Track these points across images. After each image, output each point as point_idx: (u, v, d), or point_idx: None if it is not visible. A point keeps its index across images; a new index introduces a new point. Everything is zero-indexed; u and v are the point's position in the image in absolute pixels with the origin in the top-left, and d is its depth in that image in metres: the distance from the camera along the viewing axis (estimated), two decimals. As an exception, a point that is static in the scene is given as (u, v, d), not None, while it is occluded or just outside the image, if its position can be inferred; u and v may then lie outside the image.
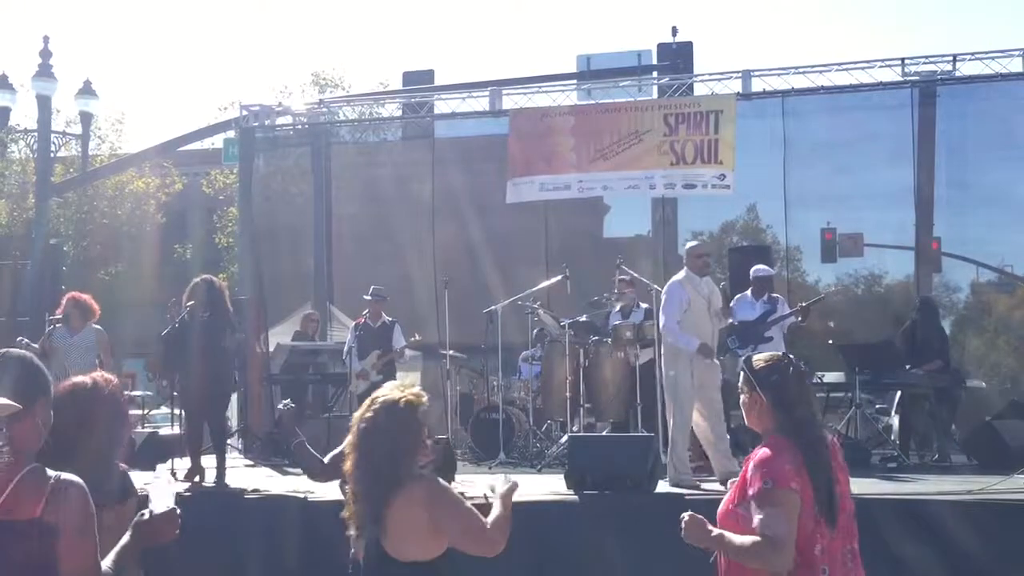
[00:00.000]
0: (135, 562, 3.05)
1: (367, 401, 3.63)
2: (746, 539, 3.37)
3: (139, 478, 3.77)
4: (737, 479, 3.55)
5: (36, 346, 10.24)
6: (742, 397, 3.64)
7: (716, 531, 3.47)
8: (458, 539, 3.53)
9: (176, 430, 10.73)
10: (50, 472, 2.78)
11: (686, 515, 3.49)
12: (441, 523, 3.48)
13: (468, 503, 3.63)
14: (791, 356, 3.69)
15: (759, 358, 3.67)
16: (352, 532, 3.55)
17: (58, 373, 8.67)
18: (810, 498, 3.36)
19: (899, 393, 10.48)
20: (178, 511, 3.08)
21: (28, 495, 2.71)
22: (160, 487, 3.10)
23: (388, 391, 3.61)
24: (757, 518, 3.33)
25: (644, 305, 10.45)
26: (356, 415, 3.63)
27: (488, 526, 3.58)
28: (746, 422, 3.68)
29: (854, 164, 13.97)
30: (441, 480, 3.62)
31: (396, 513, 3.43)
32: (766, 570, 3.38)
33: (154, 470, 9.60)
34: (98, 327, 9.53)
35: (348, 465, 3.58)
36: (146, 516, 3.04)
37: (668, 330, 8.25)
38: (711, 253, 8.52)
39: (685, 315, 8.20)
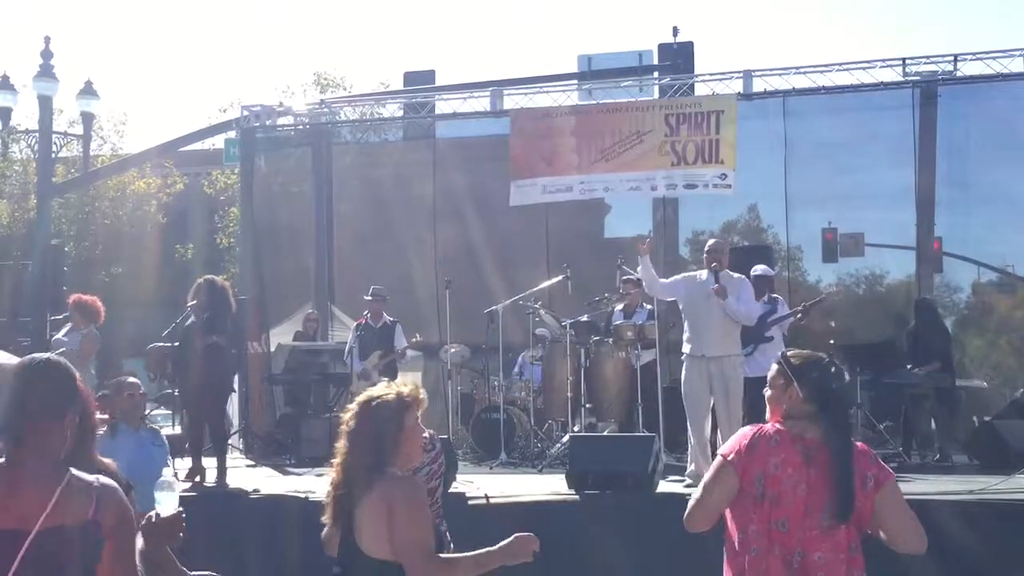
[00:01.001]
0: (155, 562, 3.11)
1: (362, 400, 3.63)
2: None
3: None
4: None
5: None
6: (771, 391, 3.66)
7: None
8: (399, 550, 3.39)
9: (177, 430, 10.75)
10: (89, 476, 2.81)
11: None
12: (393, 527, 3.39)
13: (430, 522, 3.52)
14: (831, 355, 3.73)
15: (797, 353, 3.71)
16: (326, 520, 3.58)
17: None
18: (752, 478, 3.45)
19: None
20: (183, 514, 3.11)
21: (77, 499, 2.72)
22: (166, 490, 3.13)
23: (375, 389, 3.63)
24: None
25: (648, 306, 10.45)
26: (349, 414, 3.63)
27: (434, 555, 3.44)
28: (768, 415, 3.68)
29: (855, 164, 13.94)
30: (417, 487, 3.57)
31: (366, 510, 3.43)
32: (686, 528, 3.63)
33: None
34: (87, 331, 9.47)
35: (337, 463, 3.58)
36: (153, 519, 3.07)
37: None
38: (721, 250, 8.51)
39: (684, 307, 8.41)
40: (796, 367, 3.62)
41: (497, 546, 3.51)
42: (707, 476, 3.62)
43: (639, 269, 8.59)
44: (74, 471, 2.78)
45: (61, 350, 9.29)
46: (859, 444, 3.62)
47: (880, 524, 3.50)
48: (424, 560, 3.39)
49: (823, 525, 3.41)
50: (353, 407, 3.60)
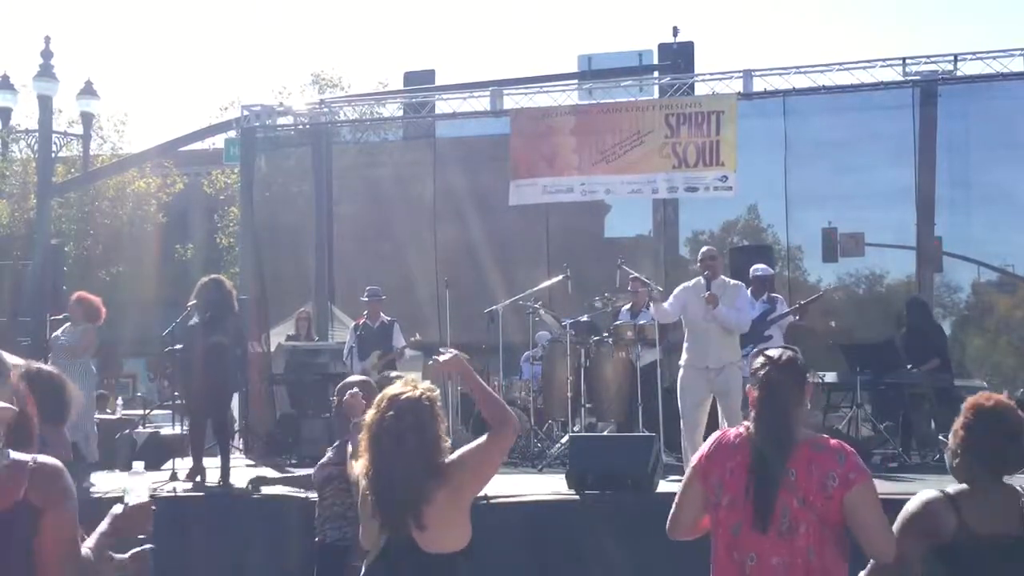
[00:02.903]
0: (109, 553, 3.05)
1: (383, 400, 3.55)
2: None
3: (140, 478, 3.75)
4: None
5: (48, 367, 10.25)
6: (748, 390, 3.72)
7: None
8: (494, 470, 3.66)
9: (177, 430, 10.75)
10: (25, 456, 2.78)
11: None
12: (481, 481, 3.62)
13: (471, 446, 3.64)
14: (781, 357, 3.60)
15: (763, 353, 3.67)
16: (371, 535, 3.49)
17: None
18: (712, 485, 3.51)
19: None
20: (153, 505, 3.08)
21: (8, 482, 2.70)
22: (136, 481, 3.10)
23: (403, 389, 3.56)
24: None
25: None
26: (372, 415, 3.55)
27: (493, 434, 3.61)
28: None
29: (855, 164, 13.94)
30: (454, 454, 3.60)
31: (437, 505, 3.41)
32: None
33: (157, 469, 9.63)
34: (85, 327, 9.45)
35: (366, 465, 3.51)
36: (121, 509, 3.04)
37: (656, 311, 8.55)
38: (715, 257, 8.53)
39: (685, 317, 8.40)
40: (753, 368, 3.62)
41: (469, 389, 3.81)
42: (681, 485, 3.69)
43: (652, 311, 8.63)
44: (12, 452, 2.76)
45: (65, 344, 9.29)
46: (832, 441, 3.55)
47: (850, 526, 3.44)
48: (503, 444, 3.66)
49: (781, 529, 3.37)
50: (392, 411, 3.48)
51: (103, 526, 3.02)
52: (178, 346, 9.07)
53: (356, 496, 3.69)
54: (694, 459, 3.65)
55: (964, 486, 3.42)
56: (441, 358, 3.76)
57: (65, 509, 2.77)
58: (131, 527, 3.05)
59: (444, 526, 3.44)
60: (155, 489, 8.10)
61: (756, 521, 3.37)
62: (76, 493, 2.82)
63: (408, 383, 3.59)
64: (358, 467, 3.63)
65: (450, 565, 3.45)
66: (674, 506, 3.67)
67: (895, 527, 3.47)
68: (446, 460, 3.52)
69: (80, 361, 9.12)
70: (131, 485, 3.09)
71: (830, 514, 3.40)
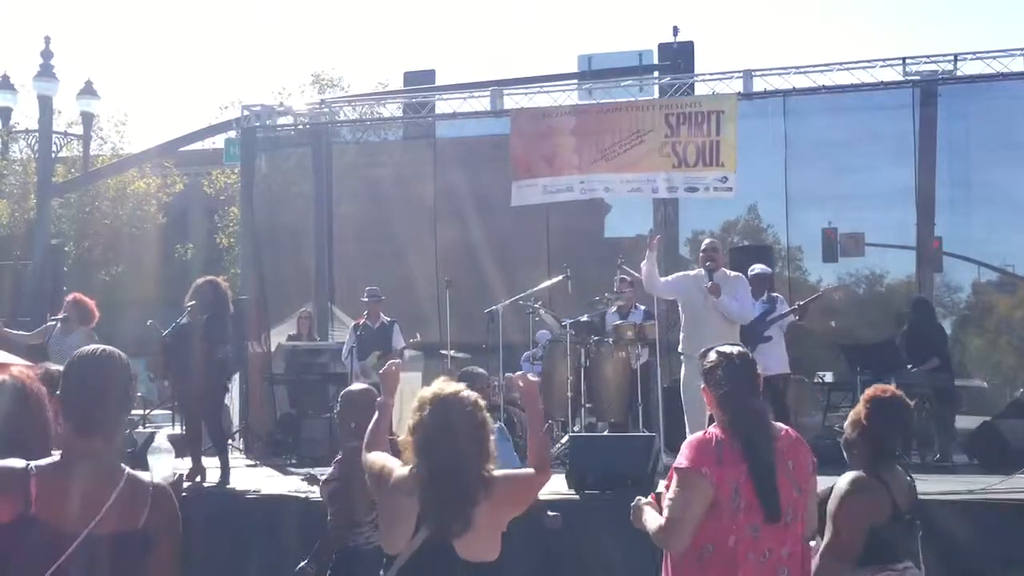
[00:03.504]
0: None
1: (432, 399, 3.44)
2: (654, 519, 3.56)
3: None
4: None
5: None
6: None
7: (644, 510, 3.64)
8: (527, 504, 3.59)
9: (177, 430, 10.75)
10: (144, 476, 2.75)
11: (635, 500, 3.69)
12: (519, 506, 3.52)
13: (517, 471, 3.66)
14: (734, 352, 3.66)
15: (712, 353, 3.70)
16: (399, 538, 3.39)
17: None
18: (729, 489, 3.40)
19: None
20: (183, 476, 3.08)
21: (133, 503, 2.66)
22: (160, 456, 3.09)
23: (457, 387, 3.49)
24: (667, 497, 3.52)
25: (642, 307, 10.45)
26: (423, 412, 3.42)
27: (534, 470, 3.58)
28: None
29: (855, 164, 13.94)
30: (500, 471, 3.53)
31: (478, 514, 3.34)
32: (665, 548, 3.54)
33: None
34: (86, 331, 9.46)
35: (412, 465, 3.42)
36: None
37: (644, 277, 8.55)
38: (717, 249, 8.58)
39: (683, 306, 8.49)
40: (704, 369, 3.65)
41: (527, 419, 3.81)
42: (680, 491, 3.46)
43: (642, 265, 8.57)
44: (130, 470, 2.71)
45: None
46: (792, 432, 3.62)
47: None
48: (541, 482, 3.62)
49: (787, 519, 3.42)
50: (446, 410, 3.42)
51: None
52: (166, 336, 9.04)
53: (379, 493, 3.56)
54: (696, 463, 3.45)
55: (860, 471, 3.68)
56: (517, 375, 3.80)
57: (175, 534, 2.76)
58: None
59: (480, 536, 3.36)
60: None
61: (770, 514, 3.38)
62: None
63: (451, 384, 3.54)
64: (381, 458, 3.56)
65: (488, 573, 3.39)
66: (679, 517, 3.43)
67: (837, 510, 3.61)
68: (493, 473, 3.44)
69: None
70: (155, 463, 3.08)
71: (810, 500, 3.54)
